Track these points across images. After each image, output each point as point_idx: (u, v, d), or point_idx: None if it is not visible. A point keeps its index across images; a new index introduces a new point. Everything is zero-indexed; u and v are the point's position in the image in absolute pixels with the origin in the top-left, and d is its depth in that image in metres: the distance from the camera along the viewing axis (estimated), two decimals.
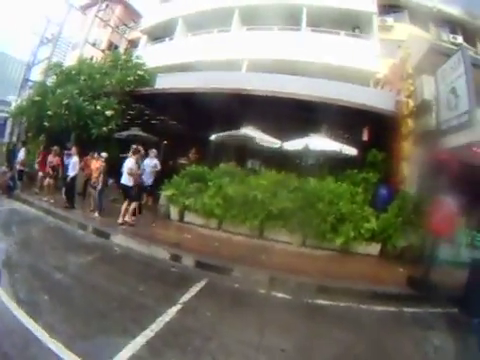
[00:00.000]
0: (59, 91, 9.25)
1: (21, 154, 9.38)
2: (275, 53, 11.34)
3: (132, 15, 20.10)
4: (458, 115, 5.67)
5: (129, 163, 6.73)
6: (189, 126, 9.64)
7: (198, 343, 2.89)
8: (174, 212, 7.47)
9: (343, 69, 10.40)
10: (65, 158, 8.43)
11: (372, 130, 7.27)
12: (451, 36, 12.92)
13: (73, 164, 7.79)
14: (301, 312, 3.90)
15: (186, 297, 3.82)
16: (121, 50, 16.20)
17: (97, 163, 7.52)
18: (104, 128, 8.80)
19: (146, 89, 8.96)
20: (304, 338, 3.28)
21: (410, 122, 6.57)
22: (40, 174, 8.95)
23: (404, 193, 6.41)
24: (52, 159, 8.50)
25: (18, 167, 9.28)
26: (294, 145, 7.18)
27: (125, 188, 6.75)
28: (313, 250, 6.23)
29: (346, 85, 7.64)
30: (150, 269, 4.71)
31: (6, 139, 13.08)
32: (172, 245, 5.50)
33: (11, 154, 10.81)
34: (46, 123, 9.38)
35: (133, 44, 18.12)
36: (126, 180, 6.69)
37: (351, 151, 6.86)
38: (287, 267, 5.14)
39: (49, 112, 8.76)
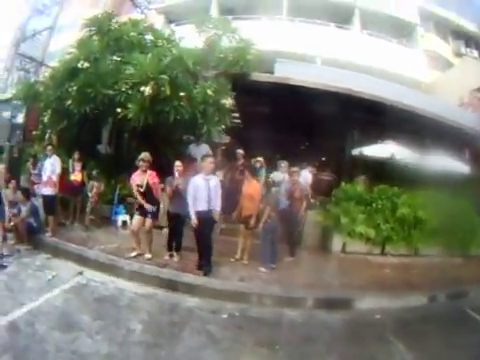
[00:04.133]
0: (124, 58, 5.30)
1: (54, 165, 4.96)
2: (331, 52, 10.88)
3: None
4: None
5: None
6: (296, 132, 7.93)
7: None
8: (338, 242, 6.17)
9: (396, 76, 10.73)
10: (175, 177, 4.53)
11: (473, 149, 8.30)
12: (468, 50, 14.70)
13: (215, 188, 4.22)
14: None
15: None
16: None
17: (251, 186, 4.78)
18: (222, 126, 5.83)
19: (277, 77, 6.54)
20: None
21: None
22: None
23: None
24: (141, 176, 4.51)
25: (47, 191, 4.91)
26: (441, 165, 7.14)
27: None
28: (457, 259, 6.41)
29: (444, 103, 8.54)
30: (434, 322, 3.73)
31: None
32: (410, 286, 4.68)
33: (18, 166, 5.48)
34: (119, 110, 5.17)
35: None
36: None
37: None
38: None
39: (146, 88, 4.66)
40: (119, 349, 2.58)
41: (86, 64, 5.31)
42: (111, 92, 5.25)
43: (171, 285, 3.86)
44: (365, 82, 7.36)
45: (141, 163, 4.53)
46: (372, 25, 12.38)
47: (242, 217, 4.77)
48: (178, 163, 4.60)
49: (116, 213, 6.41)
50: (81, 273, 3.97)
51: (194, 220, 4.11)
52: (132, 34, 6.07)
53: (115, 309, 3.26)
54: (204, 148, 6.81)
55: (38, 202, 5.01)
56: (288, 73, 6.77)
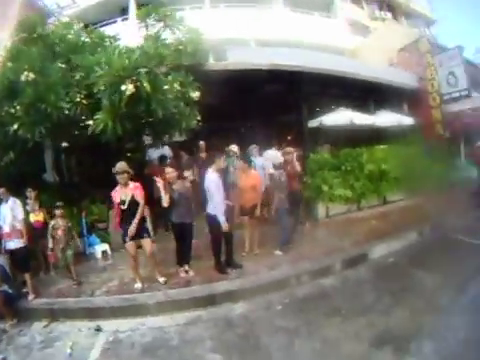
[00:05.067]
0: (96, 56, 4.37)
1: (15, 210, 3.98)
2: (257, 31, 11.21)
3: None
4: (459, 90, 8.93)
5: None
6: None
7: None
8: (321, 209, 6.63)
9: (321, 46, 11.28)
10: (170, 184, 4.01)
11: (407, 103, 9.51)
12: (382, 13, 16.18)
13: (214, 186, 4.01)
14: None
15: None
16: None
17: (251, 177, 4.60)
18: (194, 121, 5.34)
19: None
20: None
21: (437, 97, 9.26)
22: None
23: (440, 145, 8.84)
24: (123, 191, 3.81)
25: (15, 243, 3.89)
26: (389, 122, 8.23)
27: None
28: (419, 198, 7.46)
29: (376, 65, 9.50)
30: None
31: None
32: (398, 229, 5.39)
33: None
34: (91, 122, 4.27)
35: None
36: None
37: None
38: None
39: (129, 86, 3.89)
40: None
41: (32, 75, 4.16)
42: (65, 105, 4.30)
43: (209, 300, 3.56)
44: (305, 57, 7.71)
45: (118, 176, 3.81)
46: (293, 2, 12.98)
47: (247, 209, 4.60)
48: (170, 169, 4.11)
49: (90, 245, 5.58)
50: (99, 329, 3.28)
51: (226, 225, 4.00)
52: (70, 36, 5.10)
53: (175, 352, 2.79)
54: (165, 150, 6.58)
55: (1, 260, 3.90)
56: (239, 58, 6.68)
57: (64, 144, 5.55)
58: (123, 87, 3.88)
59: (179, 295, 3.62)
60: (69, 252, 4.29)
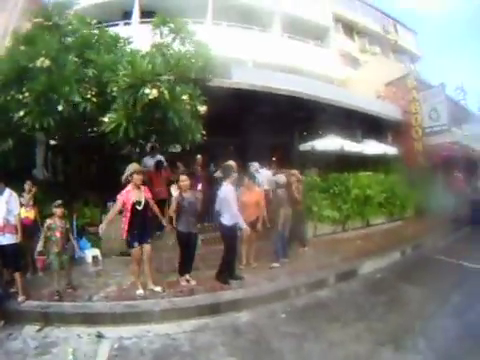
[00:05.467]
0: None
1: (10, 204, 3.73)
2: (255, 53, 11.81)
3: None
4: (440, 125, 9.96)
5: None
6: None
7: None
8: (311, 228, 6.90)
9: (313, 73, 12.22)
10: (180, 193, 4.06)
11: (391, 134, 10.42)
12: (371, 47, 17.39)
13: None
14: None
15: None
16: None
17: (254, 194, 4.79)
18: (199, 135, 5.37)
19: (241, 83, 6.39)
20: None
21: (420, 130, 10.18)
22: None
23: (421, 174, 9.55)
24: (137, 192, 3.86)
25: (6, 239, 3.64)
26: (375, 150, 8.93)
27: None
28: (399, 222, 8.34)
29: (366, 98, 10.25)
30: None
31: None
32: (382, 248, 5.93)
33: None
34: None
35: None
36: None
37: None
38: None
39: (152, 91, 3.92)
40: None
41: (47, 62, 4.02)
42: (77, 99, 4.21)
43: (213, 308, 3.61)
44: (302, 84, 8.24)
45: (136, 176, 3.88)
46: (291, 29, 13.80)
47: (248, 223, 4.61)
48: (184, 177, 4.15)
49: (80, 248, 5.25)
50: (100, 335, 3.14)
51: (247, 228, 4.29)
52: (85, 31, 5.07)
53: (189, 358, 2.76)
54: (160, 158, 6.59)
55: None
56: (239, 78, 7.03)
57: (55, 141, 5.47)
58: (147, 90, 3.95)
59: (184, 303, 3.61)
60: (65, 256, 4.01)
